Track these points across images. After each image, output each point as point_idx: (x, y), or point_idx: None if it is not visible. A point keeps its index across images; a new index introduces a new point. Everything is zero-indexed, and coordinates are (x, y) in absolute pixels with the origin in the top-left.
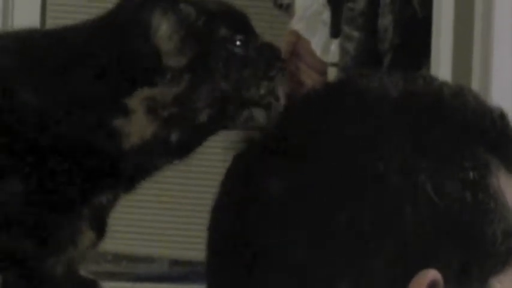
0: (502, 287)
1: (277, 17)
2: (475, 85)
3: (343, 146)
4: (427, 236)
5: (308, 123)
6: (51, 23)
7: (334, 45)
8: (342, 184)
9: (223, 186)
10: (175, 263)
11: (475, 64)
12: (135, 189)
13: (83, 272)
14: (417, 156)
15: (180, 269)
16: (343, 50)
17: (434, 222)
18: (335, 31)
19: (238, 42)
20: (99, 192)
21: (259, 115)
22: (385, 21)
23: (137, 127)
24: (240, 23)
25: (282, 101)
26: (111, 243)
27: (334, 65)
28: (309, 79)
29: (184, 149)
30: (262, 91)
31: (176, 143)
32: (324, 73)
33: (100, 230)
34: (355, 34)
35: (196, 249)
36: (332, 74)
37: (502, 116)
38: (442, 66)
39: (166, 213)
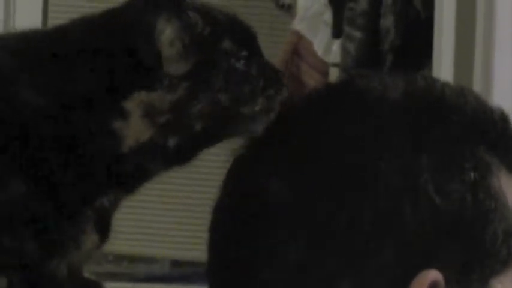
0: None
1: (278, 17)
2: (477, 86)
3: (344, 146)
4: (428, 236)
5: (308, 123)
6: (52, 24)
7: (336, 46)
8: (342, 184)
9: (224, 187)
10: (176, 263)
11: (477, 65)
12: (136, 191)
13: (84, 273)
14: (417, 156)
15: (182, 270)
16: (344, 51)
17: (435, 223)
18: (337, 31)
19: (241, 58)
20: (101, 194)
21: (255, 129)
22: (387, 21)
23: (134, 130)
24: (246, 38)
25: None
26: (112, 244)
27: (335, 65)
28: (311, 79)
29: (182, 156)
30: (257, 108)
31: (174, 149)
32: (325, 73)
33: (104, 232)
34: (357, 34)
35: (197, 249)
36: (334, 74)
37: (503, 116)
38: (443, 67)
39: (168, 214)
